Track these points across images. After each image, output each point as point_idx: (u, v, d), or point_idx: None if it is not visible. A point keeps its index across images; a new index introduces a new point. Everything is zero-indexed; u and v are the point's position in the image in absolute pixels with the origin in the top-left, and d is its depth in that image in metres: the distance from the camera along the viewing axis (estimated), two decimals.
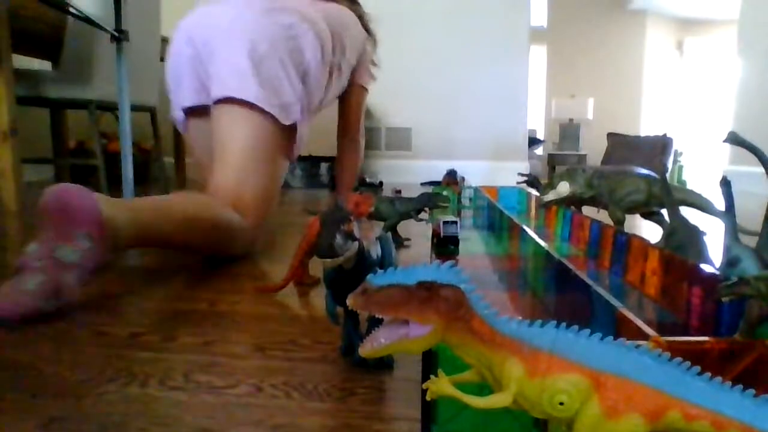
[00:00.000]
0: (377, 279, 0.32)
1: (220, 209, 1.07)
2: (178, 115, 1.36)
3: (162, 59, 2.82)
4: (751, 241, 0.67)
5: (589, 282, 0.64)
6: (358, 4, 1.74)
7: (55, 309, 0.76)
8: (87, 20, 1.87)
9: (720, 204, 0.76)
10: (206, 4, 1.32)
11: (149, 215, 0.93)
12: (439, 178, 2.60)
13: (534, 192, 1.70)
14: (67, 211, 0.77)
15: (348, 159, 1.82)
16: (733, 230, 0.65)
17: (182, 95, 1.31)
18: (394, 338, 0.32)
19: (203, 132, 1.32)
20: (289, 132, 1.25)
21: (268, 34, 1.22)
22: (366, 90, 1.74)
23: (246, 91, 1.17)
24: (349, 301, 0.32)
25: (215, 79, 1.22)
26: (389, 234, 0.68)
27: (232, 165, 1.17)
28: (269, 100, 1.19)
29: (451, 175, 2.23)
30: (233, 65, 1.19)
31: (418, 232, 1.49)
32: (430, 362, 0.41)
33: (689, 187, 1.42)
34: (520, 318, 0.33)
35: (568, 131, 5.18)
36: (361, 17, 1.68)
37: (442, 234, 1.20)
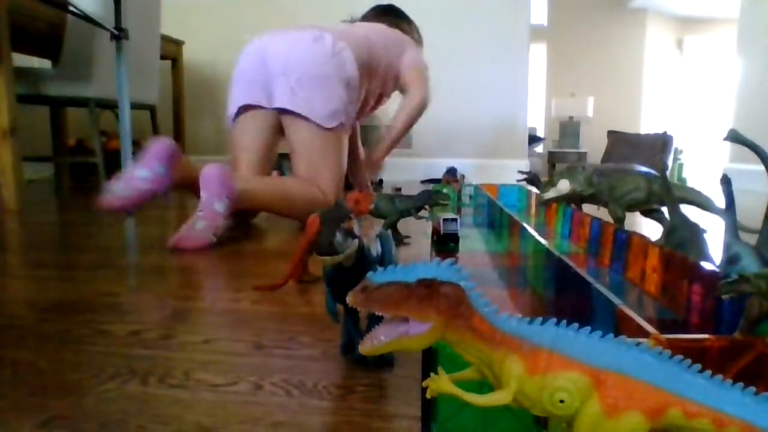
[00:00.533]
0: (377, 276, 0.32)
1: (308, 188, 1.51)
2: (231, 110, 1.65)
3: (162, 57, 2.82)
4: (752, 239, 0.67)
5: (590, 279, 0.64)
6: (402, 20, 2.02)
7: (215, 241, 1.27)
8: (87, 18, 1.87)
9: (720, 202, 0.76)
10: (272, 33, 1.66)
11: (264, 193, 1.43)
12: (440, 175, 2.60)
13: (534, 190, 1.70)
14: (218, 182, 1.28)
15: (407, 106, 1.92)
16: (734, 228, 0.65)
17: (241, 95, 1.61)
18: (394, 335, 0.31)
19: (245, 130, 1.64)
20: (342, 128, 1.60)
21: (319, 58, 1.55)
22: (414, 70, 1.87)
23: (302, 107, 1.53)
24: (349, 299, 0.32)
25: (279, 94, 1.55)
26: (389, 232, 0.68)
27: (306, 162, 1.56)
28: (319, 111, 1.54)
29: (451, 172, 2.23)
30: (293, 84, 1.53)
31: (418, 230, 1.49)
32: (430, 360, 0.41)
33: (689, 184, 1.42)
34: (520, 315, 0.33)
35: (568, 129, 5.18)
36: (404, 30, 1.95)
37: (442, 231, 1.20)
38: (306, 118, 1.53)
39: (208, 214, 1.26)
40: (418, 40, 2.05)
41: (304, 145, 1.56)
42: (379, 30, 1.84)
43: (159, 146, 1.30)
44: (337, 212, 0.53)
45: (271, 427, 0.48)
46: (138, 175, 1.27)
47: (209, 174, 1.28)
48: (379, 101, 1.95)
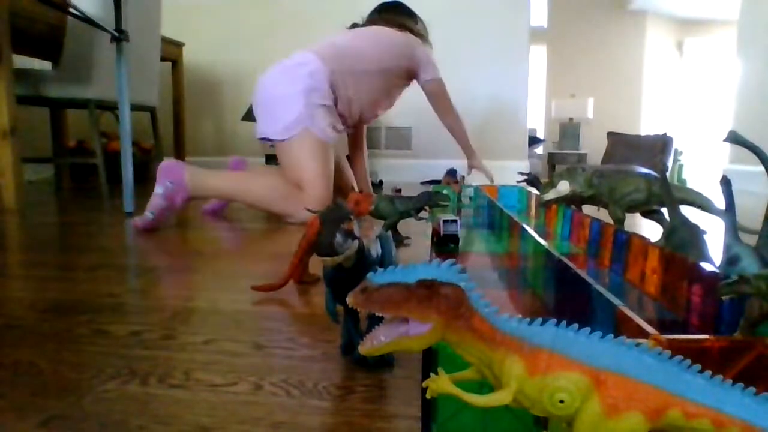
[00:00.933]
0: (377, 277, 0.32)
1: (276, 181, 1.66)
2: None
3: (162, 59, 2.82)
4: (752, 240, 0.67)
5: (590, 280, 0.64)
6: (405, 19, 2.04)
7: (152, 217, 1.53)
8: (87, 20, 1.87)
9: (720, 203, 0.76)
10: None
11: (224, 184, 1.63)
12: (439, 177, 2.60)
13: (534, 191, 1.70)
14: (163, 172, 1.55)
15: (454, 130, 2.13)
16: (734, 229, 0.65)
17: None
18: (394, 336, 0.31)
19: None
20: (306, 132, 1.66)
21: (275, 79, 1.70)
22: (431, 82, 2.00)
23: (263, 132, 1.71)
24: (349, 300, 0.32)
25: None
26: (389, 233, 0.68)
27: (289, 173, 1.68)
28: (274, 128, 1.67)
29: (452, 174, 2.23)
30: (257, 112, 1.74)
31: (418, 231, 1.49)
32: (430, 360, 0.41)
33: (689, 186, 1.42)
34: (520, 316, 0.33)
35: (568, 130, 5.18)
36: (411, 30, 1.99)
37: (442, 232, 1.20)
38: (270, 139, 1.70)
39: (151, 198, 1.54)
40: (425, 36, 2.09)
41: (281, 161, 1.72)
42: (372, 34, 1.88)
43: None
44: (337, 213, 0.53)
45: (271, 428, 0.48)
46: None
47: (159, 167, 1.57)
48: (389, 100, 2.01)
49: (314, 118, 1.67)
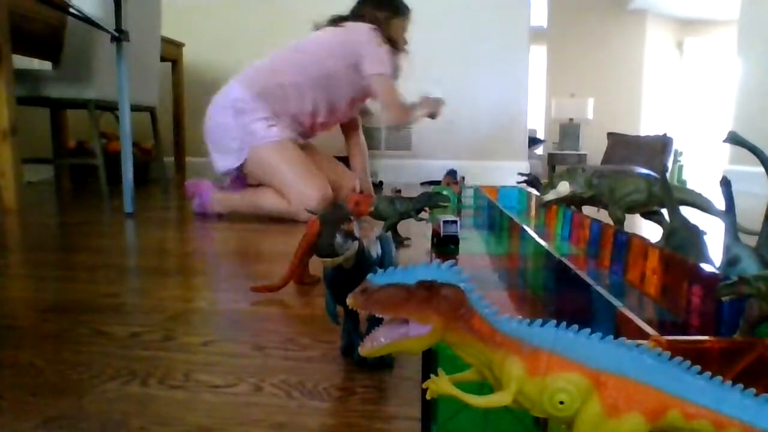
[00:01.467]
0: (377, 278, 0.32)
1: (271, 197, 1.75)
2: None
3: (162, 59, 2.82)
4: (751, 241, 0.67)
5: (590, 281, 0.64)
6: (382, 12, 1.94)
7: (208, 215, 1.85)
8: (87, 20, 1.87)
9: (720, 204, 0.76)
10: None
11: (239, 204, 1.81)
12: (439, 177, 2.60)
13: (534, 191, 1.70)
14: (194, 187, 1.88)
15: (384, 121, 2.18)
16: (733, 230, 0.65)
17: None
18: (394, 337, 0.31)
19: None
20: (255, 148, 1.73)
21: (213, 112, 1.85)
22: (370, 77, 1.86)
23: (222, 164, 1.81)
24: (349, 301, 0.32)
25: None
26: (389, 233, 0.68)
27: (275, 187, 1.76)
28: (225, 165, 1.80)
29: (451, 174, 2.23)
30: (209, 150, 1.86)
31: (418, 232, 1.49)
32: (430, 361, 0.41)
33: (689, 186, 1.42)
34: (520, 317, 0.33)
35: (568, 131, 5.18)
36: (375, 19, 1.91)
37: (442, 233, 1.20)
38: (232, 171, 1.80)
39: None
40: (391, 26, 1.95)
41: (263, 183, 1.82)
42: (312, 42, 1.88)
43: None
44: (337, 214, 0.53)
45: (271, 429, 0.48)
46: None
47: (190, 184, 1.91)
48: (349, 99, 1.93)
49: (253, 134, 1.73)
